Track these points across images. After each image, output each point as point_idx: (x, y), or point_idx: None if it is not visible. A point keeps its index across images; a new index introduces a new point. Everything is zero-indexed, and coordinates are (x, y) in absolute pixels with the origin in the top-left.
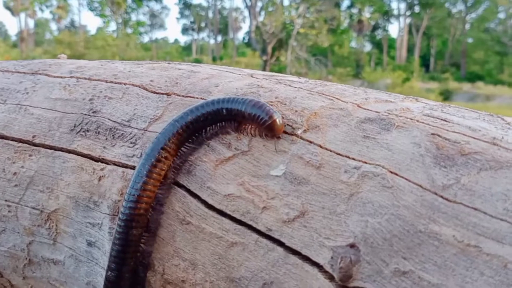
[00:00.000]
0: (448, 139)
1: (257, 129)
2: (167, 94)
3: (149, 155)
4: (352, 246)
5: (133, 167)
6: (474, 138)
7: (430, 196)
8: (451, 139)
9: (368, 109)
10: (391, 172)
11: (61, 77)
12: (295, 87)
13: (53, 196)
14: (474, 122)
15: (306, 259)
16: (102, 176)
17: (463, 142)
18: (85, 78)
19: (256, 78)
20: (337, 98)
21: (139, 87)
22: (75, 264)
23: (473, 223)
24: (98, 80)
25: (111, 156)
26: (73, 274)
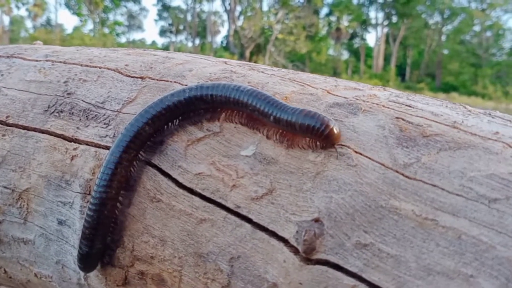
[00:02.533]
0: (411, 122)
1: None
2: (142, 78)
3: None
4: (316, 220)
5: (106, 147)
6: (435, 121)
7: (391, 174)
8: (414, 122)
9: (337, 95)
10: (356, 152)
11: (37, 61)
12: (268, 74)
13: (25, 175)
14: (437, 108)
15: (272, 234)
16: (75, 155)
17: (425, 125)
18: (60, 62)
19: (230, 65)
20: (307, 85)
21: (114, 70)
22: (45, 243)
23: (431, 198)
24: (73, 63)
25: (84, 136)
26: (43, 253)
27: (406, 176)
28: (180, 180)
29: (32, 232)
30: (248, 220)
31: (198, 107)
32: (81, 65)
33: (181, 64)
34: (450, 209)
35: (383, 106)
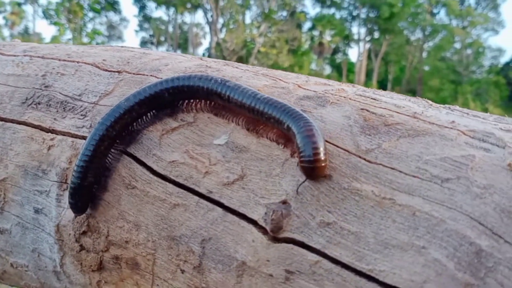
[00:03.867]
0: (375, 113)
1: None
2: (119, 72)
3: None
4: (284, 202)
5: (82, 137)
6: (397, 112)
7: (354, 159)
8: (378, 113)
9: (307, 89)
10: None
11: (15, 55)
12: (242, 69)
13: (2, 165)
14: (400, 101)
15: (242, 216)
16: (52, 145)
17: (387, 115)
18: (38, 57)
19: (205, 60)
20: (280, 79)
21: (92, 65)
22: (22, 232)
23: (389, 180)
24: (52, 58)
25: (61, 127)
26: (19, 242)
27: (368, 161)
28: (155, 167)
29: (8, 221)
30: (220, 204)
31: (174, 99)
32: (59, 60)
33: (158, 60)
34: (406, 189)
35: (350, 99)
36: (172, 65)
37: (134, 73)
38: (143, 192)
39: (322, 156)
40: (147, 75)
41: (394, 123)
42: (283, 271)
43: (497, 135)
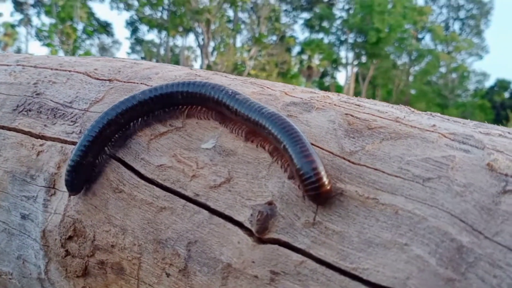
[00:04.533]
0: (358, 118)
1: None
2: (110, 80)
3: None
4: (270, 203)
5: (72, 143)
6: (380, 117)
7: (339, 160)
8: (361, 118)
9: (294, 96)
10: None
11: (7, 65)
12: (231, 78)
13: None
14: (383, 107)
15: (228, 218)
16: (41, 151)
17: (371, 120)
18: (31, 66)
19: (195, 70)
20: (267, 87)
21: (83, 74)
22: (8, 238)
23: (373, 180)
24: (44, 67)
25: (51, 133)
26: (4, 249)
27: (352, 162)
28: (142, 171)
29: None
30: (206, 207)
31: (184, 102)
32: (51, 69)
33: (148, 69)
34: (389, 189)
35: (335, 104)
36: (162, 73)
37: (124, 81)
38: (131, 196)
39: (325, 180)
40: (137, 83)
41: (377, 126)
42: (268, 272)
43: (476, 137)
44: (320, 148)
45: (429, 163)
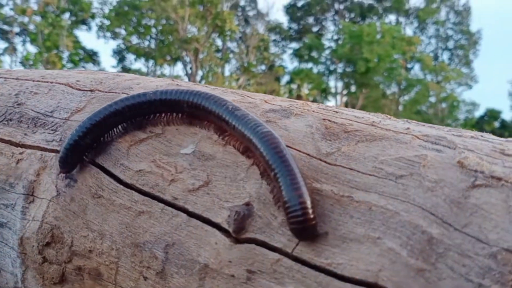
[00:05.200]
0: (336, 122)
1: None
2: (91, 91)
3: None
4: (247, 204)
5: (52, 150)
6: (357, 121)
7: (315, 161)
8: (338, 122)
9: (273, 104)
10: (287, 145)
11: None
12: (211, 88)
13: None
14: (360, 113)
15: (206, 220)
16: (21, 159)
17: (347, 124)
18: (13, 78)
19: (177, 82)
20: (247, 96)
21: (65, 85)
22: None
23: (348, 179)
24: (26, 79)
25: (31, 142)
26: None
27: (328, 163)
28: (121, 177)
29: None
30: (185, 210)
31: (189, 111)
32: (33, 81)
33: (130, 80)
34: (363, 187)
35: (313, 111)
36: (143, 84)
37: (106, 92)
38: (109, 201)
39: (311, 216)
40: (118, 93)
41: (353, 130)
42: (244, 271)
43: (448, 138)
44: (297, 150)
45: (402, 162)
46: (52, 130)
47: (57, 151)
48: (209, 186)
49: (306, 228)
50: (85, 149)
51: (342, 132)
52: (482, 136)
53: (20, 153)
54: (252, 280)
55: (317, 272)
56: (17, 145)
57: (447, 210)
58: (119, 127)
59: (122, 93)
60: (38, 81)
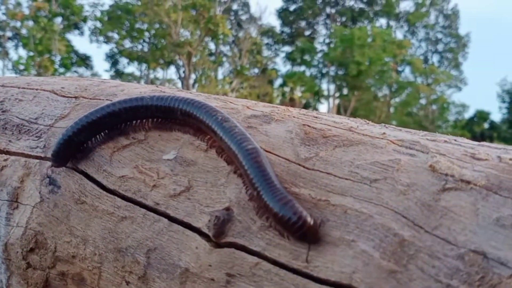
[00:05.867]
0: (315, 128)
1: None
2: (76, 97)
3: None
4: (227, 209)
5: (36, 157)
6: (335, 127)
7: (294, 166)
8: (317, 128)
9: (255, 109)
10: (266, 150)
11: None
12: (195, 94)
13: None
14: (339, 119)
15: (187, 225)
16: (5, 166)
17: (326, 129)
18: None
19: (160, 87)
20: (230, 102)
21: (50, 91)
22: None
23: (325, 183)
24: (11, 86)
25: (16, 148)
26: None
27: (306, 168)
28: (104, 183)
29: None
30: (166, 215)
31: (182, 119)
32: (19, 88)
33: (115, 87)
34: (340, 191)
35: (294, 116)
36: (127, 90)
37: (90, 98)
38: (92, 207)
39: (308, 219)
40: (103, 100)
41: (332, 135)
42: (224, 274)
43: (422, 143)
44: (277, 155)
45: (377, 166)
46: (36, 137)
47: (41, 158)
48: (190, 191)
49: (308, 231)
50: (78, 146)
51: (320, 137)
52: (455, 140)
53: (4, 160)
54: (231, 284)
55: (294, 275)
56: (1, 152)
57: (418, 213)
58: (114, 128)
59: (107, 99)
60: (24, 88)
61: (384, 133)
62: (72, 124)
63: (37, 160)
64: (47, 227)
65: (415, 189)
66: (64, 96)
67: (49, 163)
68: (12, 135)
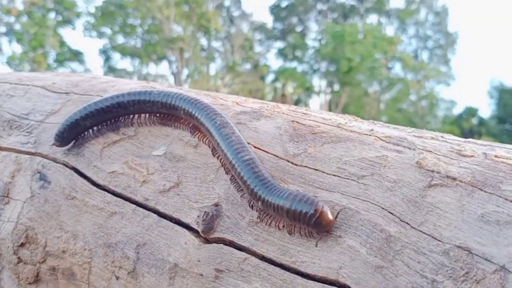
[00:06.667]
0: (304, 124)
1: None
2: (67, 93)
3: None
4: (216, 205)
5: (26, 153)
6: (324, 123)
7: (283, 163)
8: (306, 124)
9: (245, 106)
10: (255, 147)
11: None
12: (185, 90)
13: None
14: (328, 115)
15: (176, 221)
16: None
17: (315, 126)
18: None
19: (151, 84)
20: (220, 98)
21: (41, 87)
22: None
23: (313, 179)
24: (3, 82)
25: (7, 144)
26: None
27: (295, 164)
28: (94, 178)
29: None
30: (155, 211)
31: (184, 118)
32: (10, 84)
33: (106, 83)
34: (327, 187)
35: (283, 113)
36: (118, 86)
37: (81, 94)
38: (82, 202)
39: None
40: (93, 95)
41: (320, 131)
42: (213, 270)
43: (409, 139)
44: (266, 152)
45: (364, 163)
46: (27, 132)
47: (32, 153)
48: (180, 187)
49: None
50: (82, 130)
51: (309, 133)
52: (442, 137)
53: None
54: (220, 279)
55: (282, 270)
56: None
57: (404, 209)
58: (121, 119)
59: (97, 95)
60: (15, 83)
61: (372, 129)
62: (81, 108)
63: (28, 156)
64: (37, 222)
65: (402, 186)
66: (55, 92)
67: (40, 159)
68: (3, 131)
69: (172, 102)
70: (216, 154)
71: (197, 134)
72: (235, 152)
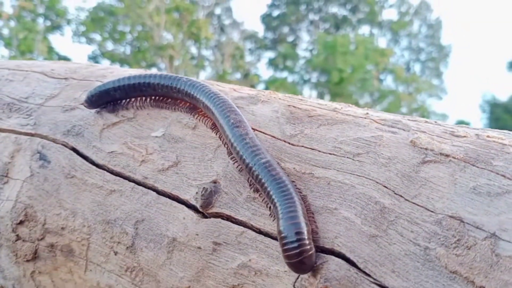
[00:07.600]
0: (300, 108)
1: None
2: (66, 79)
3: None
4: (214, 182)
5: (26, 134)
6: (320, 108)
7: (280, 143)
8: (303, 108)
9: (242, 92)
10: (253, 128)
11: None
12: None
13: None
14: (324, 102)
15: (175, 198)
16: None
17: (311, 110)
18: None
19: (149, 71)
20: (217, 85)
21: (40, 73)
22: None
23: (309, 158)
24: (2, 68)
25: (6, 126)
26: None
27: (291, 144)
28: (94, 158)
29: None
30: (154, 189)
31: (170, 94)
32: (9, 69)
33: (104, 69)
34: (323, 164)
35: (279, 98)
36: (117, 72)
37: (80, 79)
38: (82, 181)
39: (308, 247)
40: (93, 81)
41: (317, 114)
42: (211, 243)
43: (404, 122)
44: (263, 133)
45: (360, 142)
46: (26, 114)
47: (31, 134)
48: (178, 166)
49: (303, 260)
50: (110, 99)
51: (306, 116)
52: (435, 122)
53: None
54: (217, 251)
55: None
56: None
57: (399, 183)
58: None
59: (97, 81)
60: (14, 69)
61: (367, 113)
62: (114, 80)
63: (28, 137)
64: (37, 200)
65: (396, 162)
66: (54, 78)
67: (39, 140)
68: (3, 113)
69: (190, 91)
70: (217, 132)
71: (196, 115)
72: (251, 154)
